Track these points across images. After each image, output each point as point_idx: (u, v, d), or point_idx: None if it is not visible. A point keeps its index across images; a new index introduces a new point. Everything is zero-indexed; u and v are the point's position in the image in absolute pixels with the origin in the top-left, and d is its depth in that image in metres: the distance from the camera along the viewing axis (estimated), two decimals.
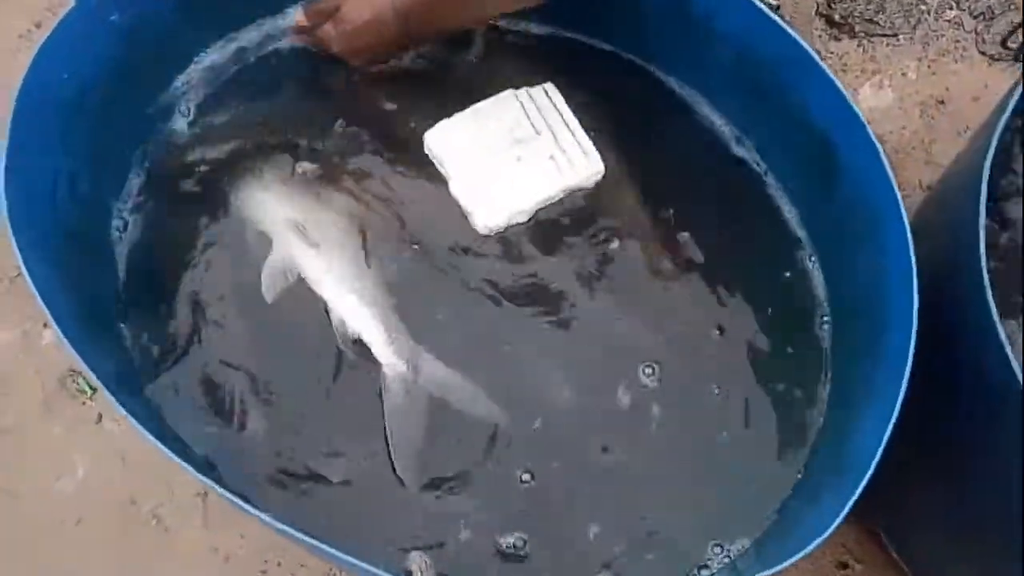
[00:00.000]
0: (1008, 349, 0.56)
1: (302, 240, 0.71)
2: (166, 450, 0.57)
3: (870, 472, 0.55)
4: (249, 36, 0.81)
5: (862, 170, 0.65)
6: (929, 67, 1.28)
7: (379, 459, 0.67)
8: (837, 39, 1.30)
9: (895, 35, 1.30)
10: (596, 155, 0.75)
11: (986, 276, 0.59)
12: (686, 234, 0.75)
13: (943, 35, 1.30)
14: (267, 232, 0.72)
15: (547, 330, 0.71)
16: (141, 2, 0.74)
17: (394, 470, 0.65)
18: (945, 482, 0.78)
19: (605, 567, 0.63)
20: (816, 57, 0.69)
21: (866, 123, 0.65)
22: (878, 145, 0.64)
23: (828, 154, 0.70)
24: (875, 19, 1.30)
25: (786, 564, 0.52)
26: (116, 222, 0.74)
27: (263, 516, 0.56)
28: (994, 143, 0.63)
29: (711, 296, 0.73)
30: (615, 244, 0.74)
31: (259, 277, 0.71)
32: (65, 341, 0.59)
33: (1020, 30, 0.72)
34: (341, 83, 0.80)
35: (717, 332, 0.72)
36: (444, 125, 0.76)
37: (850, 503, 0.54)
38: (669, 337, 0.71)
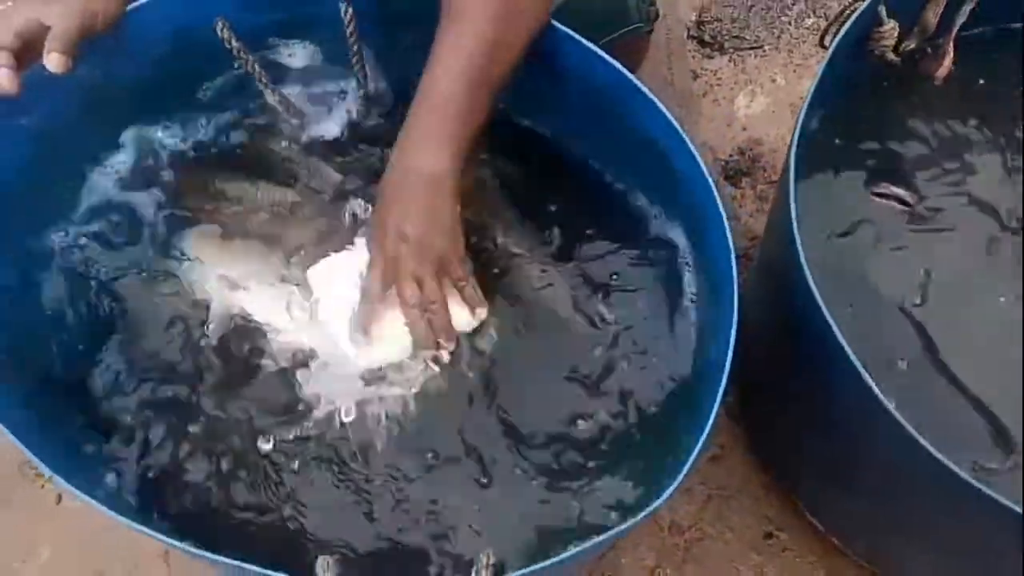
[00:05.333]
0: (822, 304, 0.65)
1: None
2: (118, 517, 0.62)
3: (713, 415, 0.64)
4: (158, 130, 0.88)
5: (692, 180, 0.74)
6: (795, 71, 1.39)
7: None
8: (710, 57, 1.41)
9: (761, 47, 1.41)
10: (482, 308, 0.77)
11: (800, 250, 0.68)
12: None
13: (805, 41, 1.42)
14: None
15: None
16: (48, 106, 0.81)
17: None
18: (816, 439, 0.87)
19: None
20: (639, 84, 0.77)
21: (687, 138, 0.73)
22: (699, 157, 0.72)
23: (668, 169, 0.78)
24: (741, 35, 1.42)
25: (672, 489, 0.60)
26: (46, 302, 0.80)
27: (221, 559, 0.62)
28: (796, 134, 0.73)
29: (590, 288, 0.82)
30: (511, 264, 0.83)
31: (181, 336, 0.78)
32: (5, 430, 0.64)
33: (832, 28, 0.82)
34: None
35: (607, 319, 0.81)
36: (330, 261, 0.78)
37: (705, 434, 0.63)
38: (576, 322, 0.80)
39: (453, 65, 0.73)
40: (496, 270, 0.83)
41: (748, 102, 1.36)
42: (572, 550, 0.60)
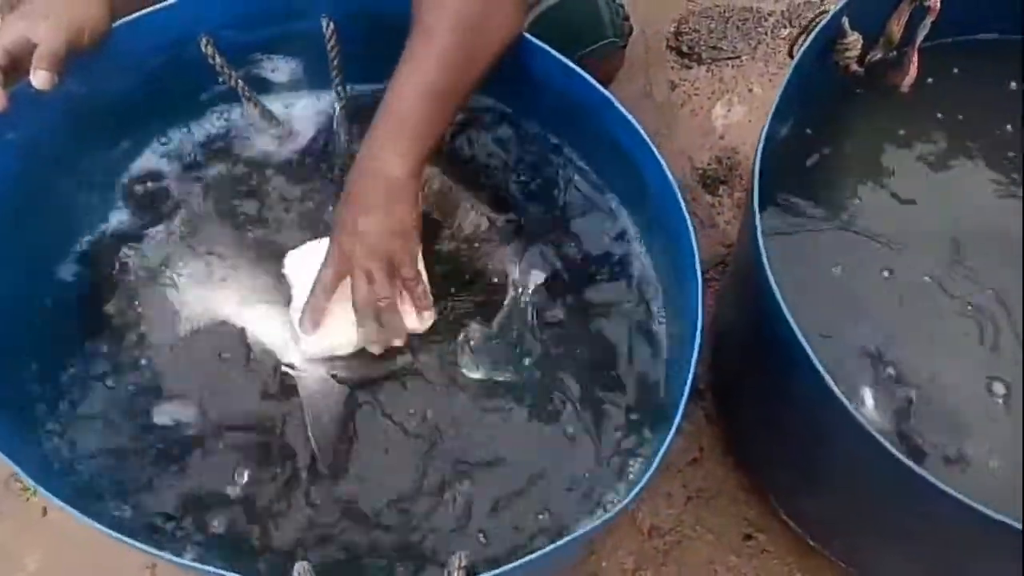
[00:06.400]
0: (785, 308, 0.67)
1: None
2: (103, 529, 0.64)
3: (682, 406, 0.66)
4: (144, 144, 0.90)
5: (662, 191, 0.76)
6: (771, 81, 1.42)
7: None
8: (688, 67, 1.44)
9: (738, 57, 1.44)
10: (429, 312, 0.78)
11: (764, 254, 0.70)
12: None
13: (780, 51, 1.45)
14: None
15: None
16: (34, 121, 0.82)
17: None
18: (786, 442, 0.89)
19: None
20: (615, 101, 0.79)
21: (657, 152, 0.75)
22: (668, 169, 0.74)
23: (639, 179, 0.81)
24: (718, 45, 1.45)
25: (640, 487, 0.63)
26: (33, 315, 0.82)
27: (205, 568, 0.64)
28: (761, 146, 0.75)
29: (578, 290, 0.85)
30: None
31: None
32: None
33: (800, 39, 0.84)
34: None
35: (579, 324, 0.83)
36: (309, 247, 0.81)
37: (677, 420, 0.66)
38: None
39: (418, 76, 0.75)
40: (465, 270, 0.84)
41: (725, 111, 1.39)
42: (543, 550, 0.61)
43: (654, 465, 0.62)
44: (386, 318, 0.76)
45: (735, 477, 1.12)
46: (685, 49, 1.44)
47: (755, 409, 0.98)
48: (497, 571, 0.60)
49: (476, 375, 0.79)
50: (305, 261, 0.80)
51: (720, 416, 1.13)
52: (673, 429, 0.63)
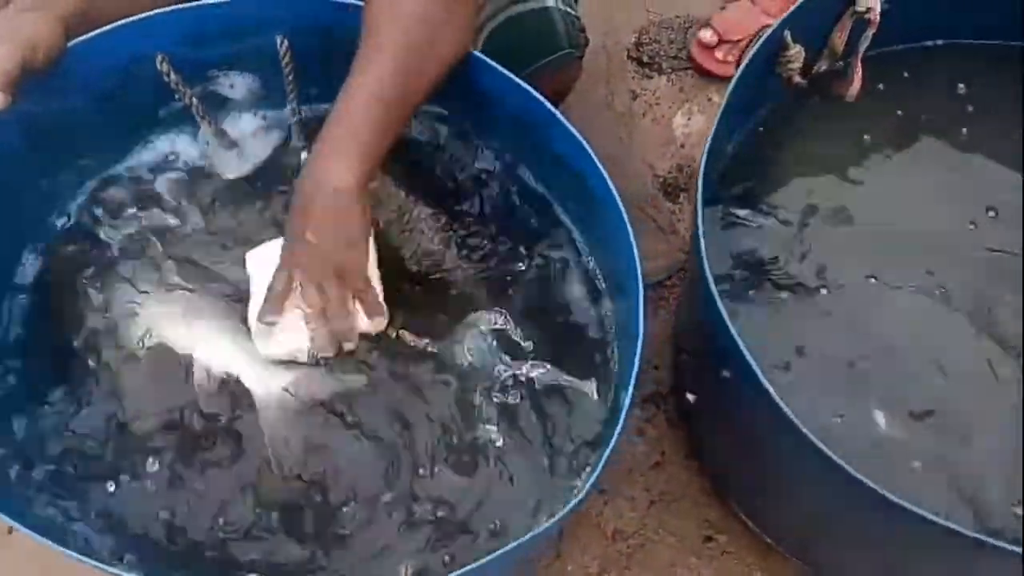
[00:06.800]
0: (725, 315, 0.69)
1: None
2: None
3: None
4: (101, 163, 0.90)
5: (605, 201, 0.78)
6: None
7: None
8: (648, 77, 1.46)
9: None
10: (381, 317, 0.79)
11: (707, 266, 0.72)
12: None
13: None
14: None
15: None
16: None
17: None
18: (739, 445, 0.91)
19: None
20: (560, 116, 0.81)
21: (600, 165, 0.77)
22: (608, 180, 0.76)
23: (586, 192, 0.82)
24: (678, 55, 1.47)
25: (589, 484, 0.65)
26: None
27: None
28: (704, 159, 0.77)
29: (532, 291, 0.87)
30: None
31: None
32: None
33: (745, 51, 0.87)
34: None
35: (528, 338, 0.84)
36: (269, 246, 0.81)
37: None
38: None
39: (367, 89, 0.76)
40: (417, 281, 0.86)
41: (686, 120, 1.41)
42: (496, 552, 0.62)
43: (597, 470, 0.64)
44: (337, 326, 0.77)
45: (697, 480, 1.14)
46: (646, 59, 1.46)
47: (710, 413, 1.00)
48: (454, 573, 0.61)
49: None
50: (267, 259, 0.80)
51: (680, 420, 1.15)
52: (616, 433, 0.65)
